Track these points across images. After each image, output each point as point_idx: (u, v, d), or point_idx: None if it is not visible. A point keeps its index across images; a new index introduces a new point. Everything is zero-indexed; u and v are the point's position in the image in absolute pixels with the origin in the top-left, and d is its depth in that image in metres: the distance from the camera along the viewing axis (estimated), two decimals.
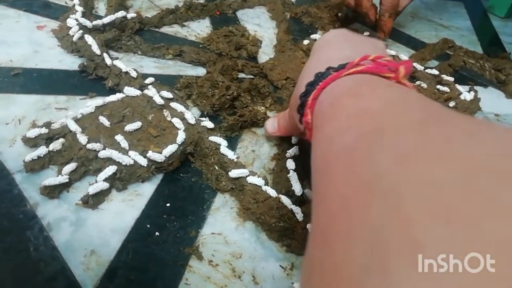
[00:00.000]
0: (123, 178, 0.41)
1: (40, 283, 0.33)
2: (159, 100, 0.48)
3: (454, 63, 0.74)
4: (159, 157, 0.42)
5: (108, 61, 0.54)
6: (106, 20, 0.61)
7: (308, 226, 0.39)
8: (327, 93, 0.31)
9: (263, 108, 0.56)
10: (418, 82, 0.66)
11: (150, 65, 0.59)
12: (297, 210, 0.40)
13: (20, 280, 0.33)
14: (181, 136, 0.44)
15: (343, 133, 0.24)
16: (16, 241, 0.36)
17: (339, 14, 0.83)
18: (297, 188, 0.43)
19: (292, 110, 0.38)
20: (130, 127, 0.45)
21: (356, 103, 0.26)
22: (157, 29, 0.68)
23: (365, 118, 0.24)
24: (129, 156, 0.42)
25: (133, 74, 0.52)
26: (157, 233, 0.38)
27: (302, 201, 0.43)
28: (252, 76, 0.61)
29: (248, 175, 0.43)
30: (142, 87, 0.51)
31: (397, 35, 0.83)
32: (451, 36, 0.83)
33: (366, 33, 0.76)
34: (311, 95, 0.32)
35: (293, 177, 0.44)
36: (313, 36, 0.72)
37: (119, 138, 0.43)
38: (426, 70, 0.69)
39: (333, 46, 0.39)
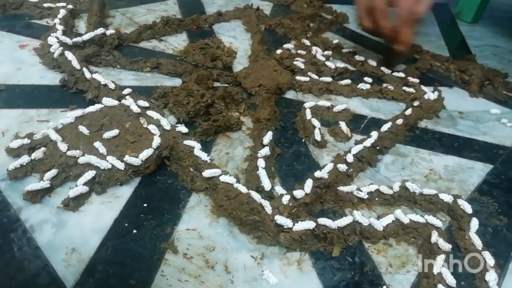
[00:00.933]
0: (102, 182, 0.44)
1: (24, 280, 0.36)
2: (135, 109, 0.51)
3: (421, 66, 0.78)
4: (135, 161, 0.45)
5: (87, 75, 0.57)
6: (86, 37, 0.64)
7: (276, 217, 0.41)
8: None
9: (237, 113, 0.59)
10: (385, 85, 0.70)
11: (129, 78, 0.62)
12: (266, 204, 0.43)
13: (5, 277, 0.36)
14: (156, 141, 0.47)
15: None
16: (0, 243, 0.38)
17: (311, 25, 0.87)
18: (266, 184, 0.46)
19: None
20: (108, 134, 0.47)
21: None
22: (135, 44, 0.72)
23: None
24: (107, 161, 0.44)
25: (111, 86, 0.55)
26: (134, 231, 0.41)
27: (271, 196, 0.45)
28: (226, 85, 0.64)
29: (221, 174, 0.46)
30: (120, 98, 0.54)
31: (367, 42, 0.87)
32: (419, 42, 0.87)
33: (336, 41, 0.80)
34: None
35: (263, 174, 0.47)
36: (285, 46, 0.76)
37: (97, 144, 0.46)
38: (393, 73, 0.73)
39: None
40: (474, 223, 0.46)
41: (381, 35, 0.70)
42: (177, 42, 0.74)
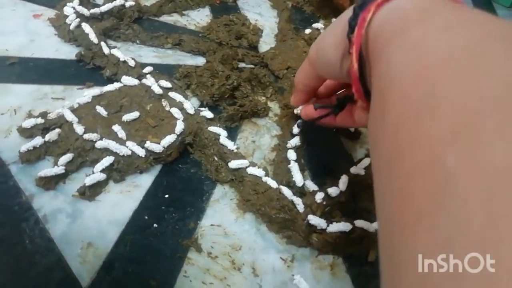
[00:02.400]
0: (121, 169, 0.41)
1: (35, 275, 0.33)
2: (157, 90, 0.47)
3: None
4: (157, 148, 0.41)
5: (105, 50, 0.53)
6: (104, 8, 0.60)
7: (309, 217, 0.38)
8: (390, 9, 0.26)
9: (263, 98, 0.55)
10: None
11: (149, 55, 0.58)
12: (297, 201, 0.39)
13: (16, 272, 0.33)
14: (179, 126, 0.43)
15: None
16: (11, 233, 0.35)
17: (342, 2, 0.81)
18: (298, 179, 0.42)
19: (325, 50, 0.33)
20: (127, 117, 0.44)
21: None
22: (156, 18, 0.67)
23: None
24: (127, 147, 0.41)
25: (131, 63, 0.51)
26: (155, 225, 0.38)
27: (303, 192, 0.42)
28: (252, 66, 0.60)
29: (248, 166, 0.42)
30: (140, 77, 0.50)
31: None
32: None
33: None
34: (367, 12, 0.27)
35: (294, 167, 0.43)
36: (315, 25, 0.71)
37: (116, 128, 0.42)
38: None
39: None
40: None
41: None
42: (200, 17, 0.69)
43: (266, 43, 0.67)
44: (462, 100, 0.18)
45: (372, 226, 0.39)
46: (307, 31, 0.69)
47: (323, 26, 0.71)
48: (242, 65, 0.60)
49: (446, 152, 0.17)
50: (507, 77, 0.18)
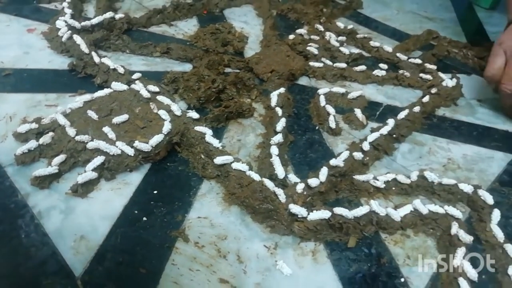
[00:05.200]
0: (111, 168, 0.43)
1: (31, 268, 0.35)
2: (145, 94, 0.50)
3: (438, 53, 0.76)
4: (145, 147, 0.43)
5: (96, 59, 0.55)
6: (95, 21, 0.63)
7: (290, 206, 0.40)
8: None
9: (248, 100, 0.57)
10: (401, 71, 0.67)
11: (138, 63, 0.61)
12: (279, 192, 0.41)
13: (13, 264, 0.35)
14: (167, 127, 0.46)
15: None
16: (8, 229, 0.37)
17: (324, 10, 0.84)
18: (279, 171, 0.44)
19: None
20: (117, 119, 0.46)
21: None
22: (145, 29, 0.70)
23: None
24: (117, 147, 0.43)
25: (121, 70, 0.54)
26: (144, 218, 0.40)
27: (284, 184, 0.44)
28: (238, 70, 0.63)
29: (233, 162, 0.44)
30: (130, 82, 0.53)
31: (382, 28, 0.85)
32: (435, 28, 0.84)
33: (350, 26, 0.77)
34: None
35: (276, 161, 0.45)
36: (298, 31, 0.74)
37: (106, 129, 0.44)
38: (410, 60, 0.70)
39: None
40: (496, 215, 0.44)
41: None
42: (187, 27, 0.72)
43: (252, 49, 0.70)
44: None
45: (350, 213, 0.41)
46: (291, 36, 0.72)
47: (306, 32, 0.74)
48: (228, 70, 0.62)
49: None
50: None
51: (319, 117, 0.55)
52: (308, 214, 0.40)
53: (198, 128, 0.47)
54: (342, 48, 0.70)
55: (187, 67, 0.62)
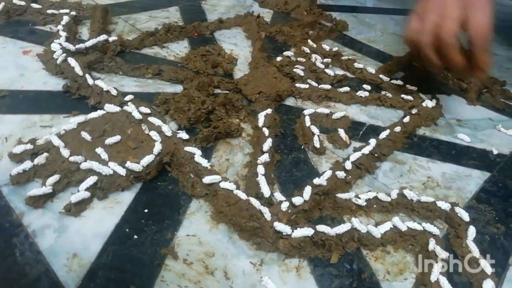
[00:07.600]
0: (104, 187, 0.44)
1: (26, 285, 0.36)
2: (137, 115, 0.52)
3: (419, 74, 0.79)
4: (137, 167, 0.45)
5: (90, 81, 0.57)
6: (89, 43, 0.65)
7: (275, 224, 0.42)
8: None
9: (237, 120, 0.60)
10: (383, 92, 0.70)
11: (131, 84, 0.63)
12: (265, 210, 0.43)
13: (7, 282, 0.36)
14: (157, 147, 0.48)
15: None
16: (3, 247, 0.38)
17: (311, 32, 0.88)
18: (265, 190, 0.46)
19: None
20: (110, 140, 0.48)
21: None
22: (137, 51, 0.72)
23: None
24: (109, 167, 0.45)
25: (114, 92, 0.56)
26: (135, 236, 0.41)
27: (270, 203, 0.46)
28: (227, 91, 0.65)
29: (221, 181, 0.46)
30: (122, 104, 0.55)
31: (367, 49, 0.88)
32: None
33: (335, 48, 0.81)
34: None
35: (262, 180, 0.47)
36: (285, 53, 0.77)
37: (99, 150, 0.46)
38: (392, 81, 0.73)
39: None
40: (471, 231, 0.46)
41: (453, 68, 0.65)
42: (179, 49, 0.75)
43: (241, 71, 0.72)
44: None
45: (332, 231, 0.43)
46: (279, 58, 0.75)
47: (293, 54, 0.77)
48: (217, 91, 0.65)
49: None
50: None
51: (304, 136, 0.58)
52: (292, 231, 0.42)
53: (188, 149, 0.49)
54: (327, 70, 0.73)
55: (178, 88, 0.64)
